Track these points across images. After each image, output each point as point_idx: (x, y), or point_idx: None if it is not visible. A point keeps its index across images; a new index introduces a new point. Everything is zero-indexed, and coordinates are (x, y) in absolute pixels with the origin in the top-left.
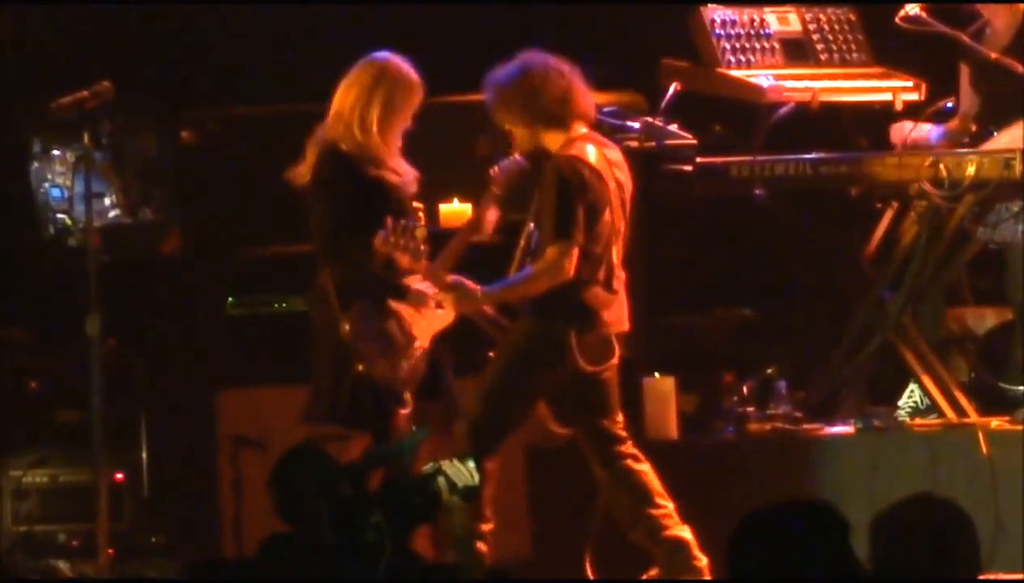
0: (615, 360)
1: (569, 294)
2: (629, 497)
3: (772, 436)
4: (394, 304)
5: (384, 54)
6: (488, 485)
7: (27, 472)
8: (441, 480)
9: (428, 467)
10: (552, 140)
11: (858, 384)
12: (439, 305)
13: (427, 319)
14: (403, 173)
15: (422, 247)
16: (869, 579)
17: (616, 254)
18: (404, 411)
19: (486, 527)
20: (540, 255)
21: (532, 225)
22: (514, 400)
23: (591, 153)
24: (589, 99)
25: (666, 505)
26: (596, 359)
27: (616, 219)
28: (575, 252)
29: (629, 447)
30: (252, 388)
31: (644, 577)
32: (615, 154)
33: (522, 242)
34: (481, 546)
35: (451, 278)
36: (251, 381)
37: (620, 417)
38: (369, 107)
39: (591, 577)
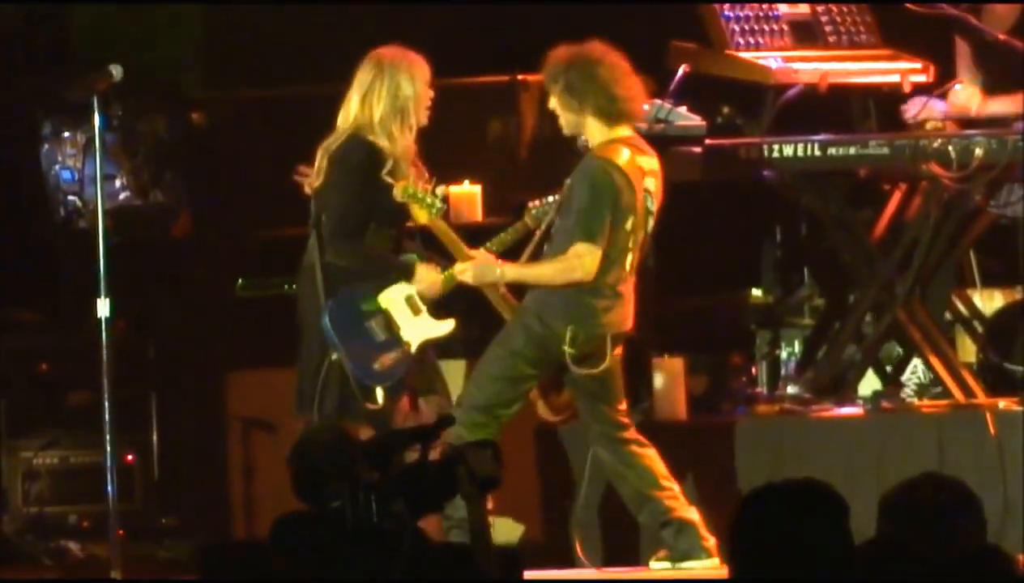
0: (608, 360)
1: (572, 295)
2: (635, 480)
3: (781, 417)
4: (385, 302)
5: (377, 51)
6: None
7: (38, 453)
8: (462, 469)
9: (449, 452)
10: (596, 133)
11: (866, 364)
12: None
13: (421, 325)
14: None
15: (440, 205)
16: (869, 555)
17: (631, 261)
18: (373, 406)
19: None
20: (560, 247)
21: (553, 213)
22: (507, 388)
23: (625, 158)
24: (643, 101)
25: (672, 487)
26: (588, 361)
27: (637, 227)
28: (599, 255)
29: (633, 433)
30: (262, 370)
31: (653, 559)
32: (651, 162)
33: (542, 227)
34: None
35: (474, 250)
36: (261, 363)
37: (623, 405)
38: (378, 106)
39: (581, 557)
